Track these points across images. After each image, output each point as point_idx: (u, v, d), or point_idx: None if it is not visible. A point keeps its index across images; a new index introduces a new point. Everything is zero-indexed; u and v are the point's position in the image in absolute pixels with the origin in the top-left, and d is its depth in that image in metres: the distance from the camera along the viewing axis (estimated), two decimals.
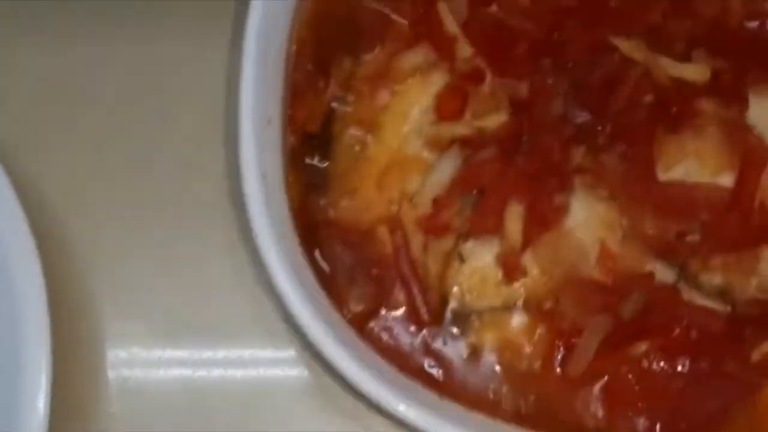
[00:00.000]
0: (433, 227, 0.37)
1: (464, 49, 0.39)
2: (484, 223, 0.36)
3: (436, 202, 0.37)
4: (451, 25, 0.39)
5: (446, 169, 0.37)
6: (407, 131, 0.39)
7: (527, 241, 0.36)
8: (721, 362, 0.35)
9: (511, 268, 0.36)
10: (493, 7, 0.40)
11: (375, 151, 0.39)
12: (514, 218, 0.36)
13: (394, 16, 0.41)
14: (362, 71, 0.39)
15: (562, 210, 0.37)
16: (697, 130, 0.39)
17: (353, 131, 0.39)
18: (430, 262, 0.36)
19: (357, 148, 0.39)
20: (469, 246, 0.37)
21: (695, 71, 0.39)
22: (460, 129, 0.38)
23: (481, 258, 0.37)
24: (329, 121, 0.39)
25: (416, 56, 0.39)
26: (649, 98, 0.39)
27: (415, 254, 0.37)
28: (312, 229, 0.37)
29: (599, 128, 0.38)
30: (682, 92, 0.39)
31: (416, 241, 0.37)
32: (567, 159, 0.37)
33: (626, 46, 0.39)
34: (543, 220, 0.36)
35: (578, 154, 0.37)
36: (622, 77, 0.39)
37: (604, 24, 0.40)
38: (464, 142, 0.38)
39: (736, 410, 0.35)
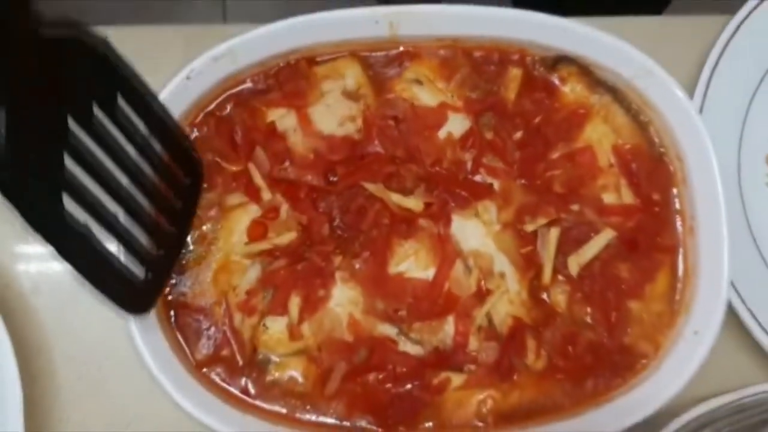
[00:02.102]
0: (246, 309, 0.60)
1: (266, 194, 0.61)
2: (277, 307, 0.60)
3: (248, 293, 0.60)
4: (258, 180, 0.61)
5: (253, 274, 0.61)
6: (233, 243, 0.62)
7: (303, 318, 0.60)
8: (413, 385, 0.60)
9: (293, 334, 0.60)
10: (287, 163, 0.61)
11: (214, 258, 0.62)
12: (294, 305, 0.60)
13: (224, 164, 0.62)
14: (204, 204, 0.61)
15: (325, 299, 0.60)
16: (417, 239, 0.62)
17: (199, 246, 0.62)
18: (244, 331, 0.60)
19: (202, 254, 0.62)
20: (270, 320, 0.60)
21: (414, 203, 0.62)
22: (263, 246, 0.61)
23: (277, 327, 0.61)
24: None
25: (235, 198, 0.62)
26: (386, 220, 0.61)
27: (236, 325, 0.60)
28: (174, 310, 0.61)
29: (355, 240, 0.61)
30: (407, 216, 0.62)
31: (237, 317, 0.61)
32: (331, 264, 0.60)
33: (372, 187, 0.61)
34: (313, 305, 0.60)
35: (337, 261, 0.61)
36: (368, 208, 0.61)
37: (360, 172, 0.62)
38: (267, 253, 0.61)
39: (425, 408, 0.60)
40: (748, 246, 0.66)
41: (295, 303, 0.60)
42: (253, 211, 0.61)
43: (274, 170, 0.61)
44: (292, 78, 0.63)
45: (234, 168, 0.63)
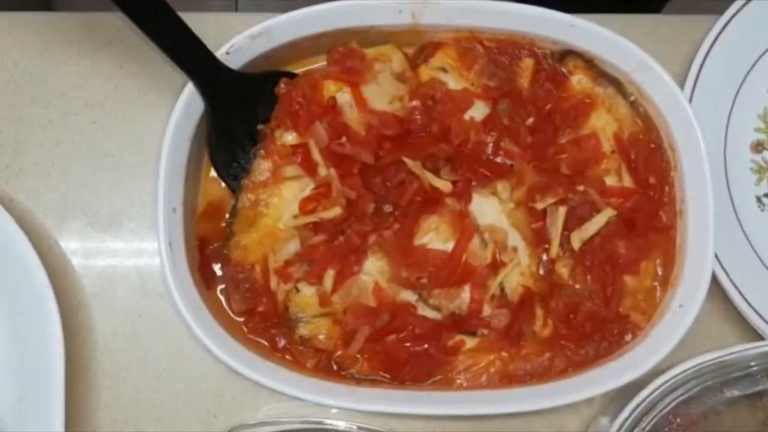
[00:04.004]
0: (283, 275, 0.66)
1: (323, 170, 0.65)
2: (312, 278, 0.65)
3: (286, 262, 0.65)
4: (316, 156, 0.65)
5: (293, 247, 0.66)
6: (283, 212, 0.66)
7: (336, 289, 0.65)
8: (429, 345, 0.65)
9: (323, 301, 0.65)
10: (343, 138, 0.65)
11: (261, 222, 0.66)
12: (329, 277, 0.65)
13: (278, 133, 0.65)
14: (259, 170, 0.66)
15: (357, 273, 0.65)
16: (439, 214, 0.67)
17: (250, 209, 0.66)
18: (279, 293, 0.66)
19: (251, 217, 0.66)
20: (303, 284, 0.66)
21: (443, 184, 0.66)
22: (310, 219, 0.65)
23: (308, 291, 0.66)
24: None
25: (291, 170, 0.66)
26: (419, 198, 0.66)
27: (272, 287, 0.66)
28: (218, 262, 0.66)
29: (389, 215, 0.66)
30: (437, 194, 0.67)
31: (273, 279, 0.66)
32: (366, 243, 0.65)
33: (411, 164, 0.66)
34: (345, 277, 0.65)
35: (372, 239, 0.66)
36: (408, 184, 0.66)
37: (404, 149, 0.66)
38: (314, 226, 0.65)
39: (439, 367, 0.66)
40: (732, 224, 0.73)
41: (330, 275, 0.64)
42: (306, 183, 0.65)
43: (331, 145, 0.63)
44: (348, 57, 0.66)
45: (291, 139, 0.65)
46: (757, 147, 0.76)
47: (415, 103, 0.67)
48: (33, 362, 0.62)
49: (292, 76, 0.66)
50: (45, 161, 0.69)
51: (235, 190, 0.65)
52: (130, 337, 0.70)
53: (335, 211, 0.63)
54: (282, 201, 0.65)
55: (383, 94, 0.65)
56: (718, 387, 0.66)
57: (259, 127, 0.67)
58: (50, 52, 0.70)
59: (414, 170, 0.65)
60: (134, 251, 0.71)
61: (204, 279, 0.66)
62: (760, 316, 0.70)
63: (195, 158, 0.65)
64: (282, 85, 0.65)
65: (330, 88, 0.65)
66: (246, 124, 0.65)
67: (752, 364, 0.66)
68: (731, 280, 0.70)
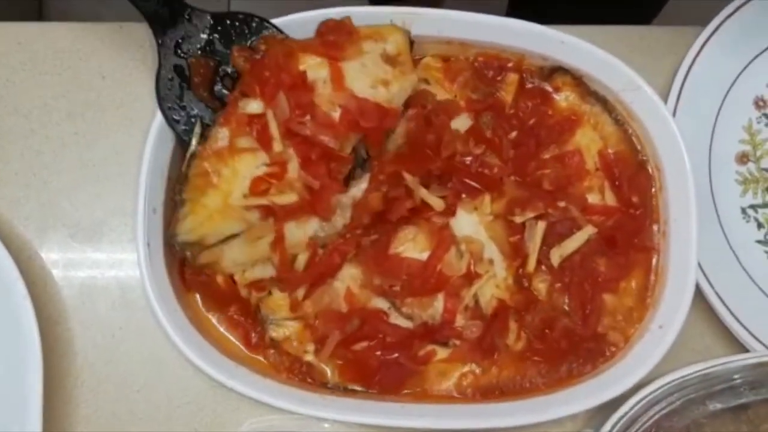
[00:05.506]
0: (255, 287, 0.65)
1: (278, 146, 0.59)
2: (285, 289, 0.65)
3: (261, 281, 0.65)
4: (273, 129, 0.59)
5: (267, 272, 0.65)
6: (234, 188, 0.60)
7: (307, 297, 0.65)
8: (400, 354, 0.64)
9: (294, 305, 0.65)
10: (307, 118, 0.59)
11: (212, 194, 0.60)
12: (301, 290, 0.65)
13: (242, 102, 0.61)
14: (213, 138, 0.61)
15: (331, 283, 0.65)
16: (417, 225, 0.66)
17: (201, 177, 0.61)
18: (252, 298, 0.66)
19: (201, 186, 0.61)
20: (275, 290, 0.65)
21: (436, 202, 0.66)
22: (261, 201, 0.61)
23: (280, 297, 0.65)
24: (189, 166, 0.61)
25: (245, 141, 0.60)
26: (406, 213, 0.65)
27: (243, 295, 0.66)
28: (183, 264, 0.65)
29: (371, 228, 0.65)
30: (423, 208, 0.66)
31: (244, 290, 0.66)
32: (344, 256, 0.65)
33: (409, 179, 0.64)
34: (317, 287, 0.65)
35: (350, 254, 0.65)
36: (401, 200, 0.64)
37: (408, 162, 0.64)
38: (264, 209, 0.61)
39: (410, 377, 0.65)
40: (717, 235, 0.72)
41: (302, 288, 0.64)
42: (262, 158, 0.60)
43: (292, 121, 0.59)
44: (335, 31, 0.62)
45: (256, 107, 0.60)
46: (742, 158, 0.75)
47: (410, 112, 0.66)
48: (10, 375, 0.62)
49: (261, 19, 0.63)
50: (26, 171, 0.69)
51: (179, 134, 0.62)
52: (110, 349, 0.69)
53: (290, 197, 0.59)
54: (234, 174, 0.60)
55: (367, 75, 0.61)
56: (701, 400, 0.64)
57: (225, 93, 0.63)
58: (32, 62, 0.71)
59: (410, 185, 0.64)
60: (115, 262, 0.71)
61: (183, 280, 0.66)
62: (745, 327, 0.68)
63: (178, 159, 0.64)
64: (236, 54, 0.62)
65: (307, 61, 0.61)
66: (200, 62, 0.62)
67: (736, 376, 0.64)
68: (716, 292, 0.69)
